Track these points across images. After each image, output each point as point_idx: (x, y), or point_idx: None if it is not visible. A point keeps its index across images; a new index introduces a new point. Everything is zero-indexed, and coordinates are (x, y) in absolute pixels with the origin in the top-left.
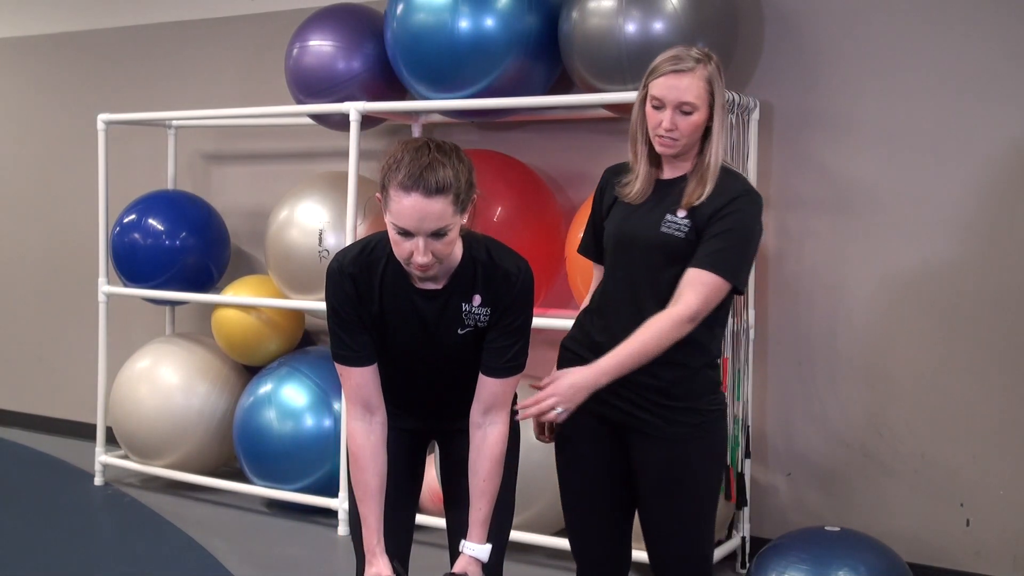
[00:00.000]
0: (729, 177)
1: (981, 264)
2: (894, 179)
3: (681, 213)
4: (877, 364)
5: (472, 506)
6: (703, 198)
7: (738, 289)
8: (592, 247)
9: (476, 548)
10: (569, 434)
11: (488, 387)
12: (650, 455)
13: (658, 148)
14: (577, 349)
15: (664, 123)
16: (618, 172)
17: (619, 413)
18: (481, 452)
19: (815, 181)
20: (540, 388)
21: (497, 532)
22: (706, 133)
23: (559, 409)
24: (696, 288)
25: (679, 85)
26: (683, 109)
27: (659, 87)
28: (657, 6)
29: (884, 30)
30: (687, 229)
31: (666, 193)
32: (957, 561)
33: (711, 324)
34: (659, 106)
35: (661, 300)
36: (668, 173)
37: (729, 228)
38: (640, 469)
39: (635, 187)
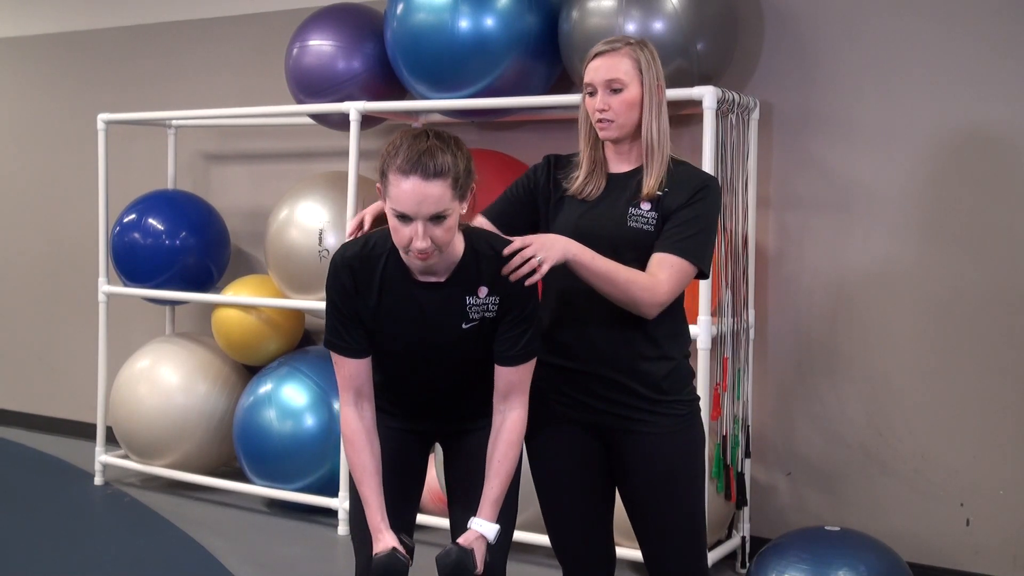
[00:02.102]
0: (686, 167)
1: (981, 264)
2: (894, 179)
3: (646, 206)
4: (877, 364)
5: (486, 485)
6: (663, 187)
7: (704, 273)
8: (505, 216)
9: (484, 525)
10: (541, 438)
11: (505, 376)
12: (641, 453)
13: (600, 134)
14: (542, 356)
15: (597, 104)
16: (562, 163)
17: (602, 415)
18: (499, 435)
19: (815, 181)
20: (513, 252)
21: (500, 534)
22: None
23: (539, 257)
24: (666, 270)
25: (605, 64)
26: (612, 87)
27: (588, 72)
28: (657, 6)
29: (884, 30)
30: (655, 221)
31: (623, 187)
32: (957, 561)
33: (678, 316)
34: (592, 91)
35: None
36: (617, 167)
37: (695, 215)
38: (630, 469)
39: (583, 182)
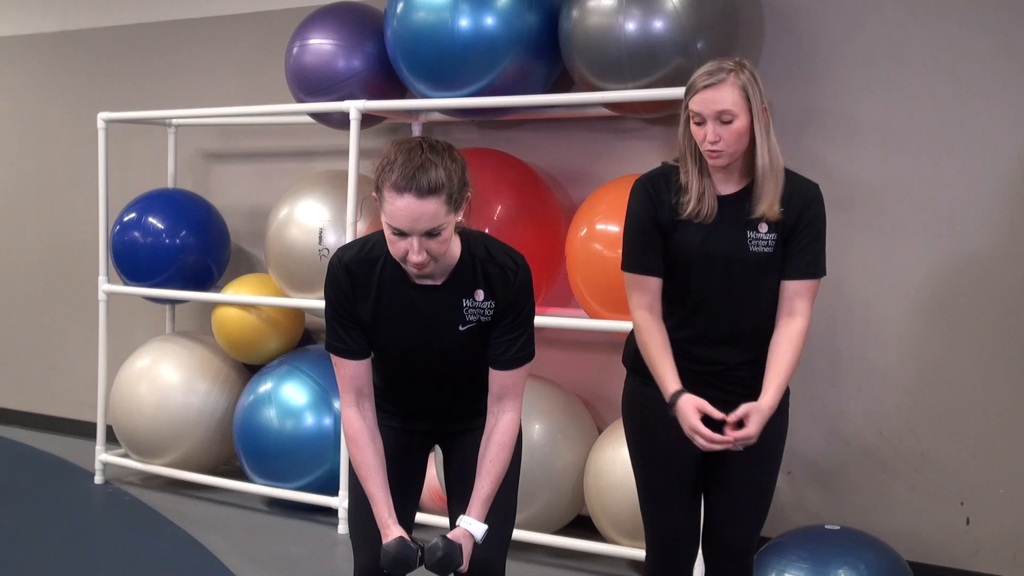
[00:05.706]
0: (792, 178)
1: (981, 262)
2: (894, 178)
3: (764, 228)
4: (877, 363)
5: (476, 484)
6: (780, 208)
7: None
8: (651, 261)
9: (473, 524)
10: (653, 421)
11: (499, 379)
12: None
13: (710, 162)
14: (678, 363)
15: (708, 136)
16: (661, 186)
17: (727, 395)
18: (491, 436)
19: (815, 180)
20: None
21: (500, 533)
22: (753, 141)
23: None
24: (806, 297)
25: (714, 97)
26: (722, 119)
27: (696, 103)
28: (657, 5)
29: (884, 29)
30: (774, 243)
31: (736, 209)
32: (957, 559)
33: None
34: (700, 122)
35: (759, 307)
36: (724, 188)
37: (816, 233)
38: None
39: (696, 206)
